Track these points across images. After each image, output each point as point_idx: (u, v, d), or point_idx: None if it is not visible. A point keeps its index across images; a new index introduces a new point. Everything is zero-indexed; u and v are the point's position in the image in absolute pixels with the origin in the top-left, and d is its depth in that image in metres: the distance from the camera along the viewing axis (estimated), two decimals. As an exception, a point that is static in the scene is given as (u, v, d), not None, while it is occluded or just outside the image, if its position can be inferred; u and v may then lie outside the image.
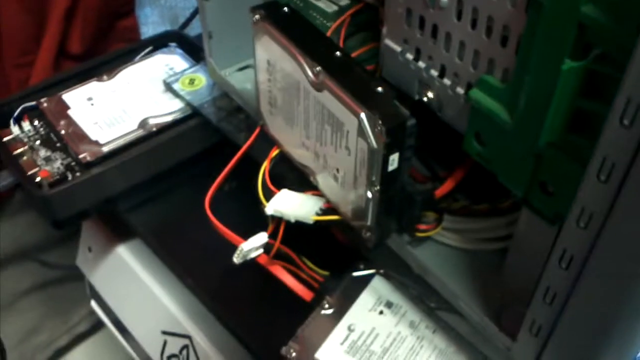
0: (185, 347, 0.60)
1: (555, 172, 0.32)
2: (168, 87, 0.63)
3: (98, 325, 0.88)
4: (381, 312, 0.46)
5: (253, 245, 0.46)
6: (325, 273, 0.50)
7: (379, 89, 0.39)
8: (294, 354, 0.44)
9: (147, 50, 0.68)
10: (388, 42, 0.41)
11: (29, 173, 0.56)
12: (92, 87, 0.64)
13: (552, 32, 0.28)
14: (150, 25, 0.89)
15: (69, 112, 0.61)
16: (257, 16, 0.45)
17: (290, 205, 0.46)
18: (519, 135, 0.32)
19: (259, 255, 0.47)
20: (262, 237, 0.47)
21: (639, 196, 0.27)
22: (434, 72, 0.38)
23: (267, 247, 0.47)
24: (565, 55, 0.28)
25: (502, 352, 0.40)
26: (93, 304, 0.74)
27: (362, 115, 0.38)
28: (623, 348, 0.34)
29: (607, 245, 0.29)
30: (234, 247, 0.47)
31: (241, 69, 0.58)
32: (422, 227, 0.42)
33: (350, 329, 0.45)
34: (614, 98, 0.26)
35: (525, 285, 0.37)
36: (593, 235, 0.29)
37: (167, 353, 0.62)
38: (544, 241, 0.34)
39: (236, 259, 0.46)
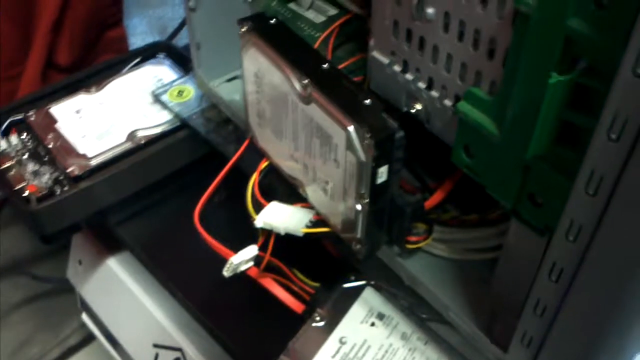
0: (177, 360, 0.59)
1: (543, 185, 0.32)
2: (156, 98, 0.63)
3: (89, 338, 0.87)
4: (373, 324, 0.46)
5: (243, 259, 0.46)
6: (316, 285, 0.49)
7: (367, 101, 0.39)
8: (285, 368, 0.44)
9: (135, 61, 0.68)
10: (375, 54, 0.41)
11: (17, 187, 0.55)
12: (80, 100, 0.63)
13: (539, 45, 0.28)
14: (138, 35, 0.88)
15: (57, 125, 0.60)
16: (244, 28, 0.45)
17: (280, 217, 0.45)
18: (507, 148, 0.32)
19: (249, 268, 0.47)
20: (252, 250, 0.46)
21: (628, 210, 0.27)
22: (422, 85, 0.38)
23: (257, 260, 0.47)
24: (551, 68, 0.28)
25: (493, 363, 0.40)
26: (84, 316, 0.74)
27: (350, 128, 0.38)
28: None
29: (596, 259, 0.29)
30: (224, 259, 0.46)
31: (230, 80, 0.57)
32: (412, 238, 0.42)
33: (341, 342, 0.45)
34: (600, 111, 0.26)
35: (516, 296, 0.37)
36: (582, 249, 0.29)
37: (158, 366, 0.62)
38: (534, 252, 0.34)
39: (226, 272, 0.46)
